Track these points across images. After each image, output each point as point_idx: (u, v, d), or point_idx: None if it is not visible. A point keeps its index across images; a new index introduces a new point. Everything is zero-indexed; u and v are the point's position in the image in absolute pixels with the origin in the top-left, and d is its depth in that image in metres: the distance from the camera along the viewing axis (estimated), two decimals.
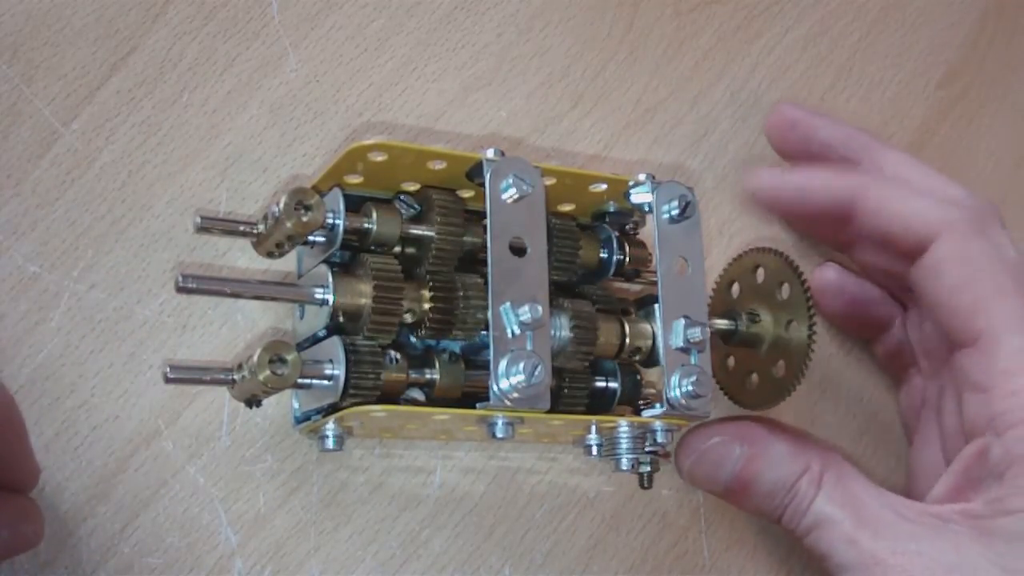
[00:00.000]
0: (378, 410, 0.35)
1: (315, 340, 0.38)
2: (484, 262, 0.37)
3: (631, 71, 0.51)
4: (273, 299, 0.38)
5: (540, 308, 0.36)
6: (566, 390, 0.40)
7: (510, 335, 0.36)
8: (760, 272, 0.45)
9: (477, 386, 0.38)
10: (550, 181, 0.39)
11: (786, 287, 0.43)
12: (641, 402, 0.42)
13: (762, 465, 0.41)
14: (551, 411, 0.36)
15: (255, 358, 0.33)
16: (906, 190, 0.43)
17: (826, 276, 0.49)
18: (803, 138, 0.48)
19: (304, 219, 0.34)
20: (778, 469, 0.41)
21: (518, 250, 0.37)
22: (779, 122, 0.49)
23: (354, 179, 0.38)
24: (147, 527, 0.38)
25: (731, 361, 0.46)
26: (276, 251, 0.37)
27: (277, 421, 0.40)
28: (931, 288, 0.42)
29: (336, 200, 0.37)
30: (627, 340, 0.41)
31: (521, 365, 0.35)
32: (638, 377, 0.42)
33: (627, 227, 0.44)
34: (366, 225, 0.38)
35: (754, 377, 0.44)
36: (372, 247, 0.38)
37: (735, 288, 0.46)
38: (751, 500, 0.42)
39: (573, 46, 0.50)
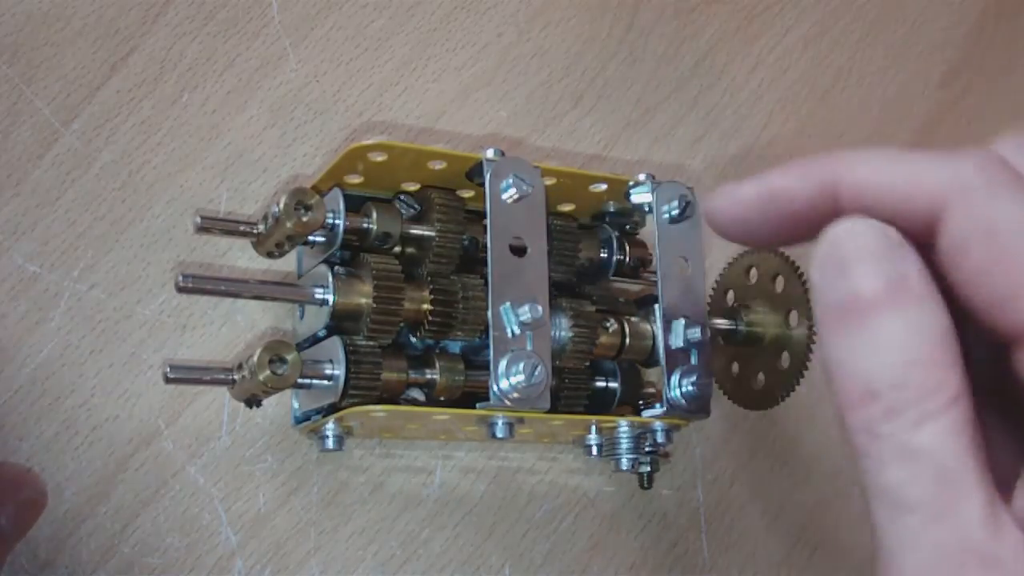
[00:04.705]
0: (378, 410, 0.35)
1: (315, 340, 0.38)
2: (484, 262, 0.37)
3: (631, 71, 0.51)
4: (273, 299, 0.38)
5: (540, 308, 0.36)
6: (566, 390, 0.40)
7: (510, 335, 0.36)
8: (753, 272, 0.45)
9: (477, 386, 0.38)
10: (550, 181, 0.39)
11: (780, 280, 0.43)
12: (641, 402, 0.42)
13: None
14: (551, 411, 0.36)
15: (255, 358, 0.33)
16: (897, 155, 0.25)
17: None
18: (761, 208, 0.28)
19: (304, 219, 0.34)
20: None
21: (518, 250, 0.37)
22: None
23: (354, 179, 0.38)
24: (147, 527, 0.38)
25: (736, 367, 0.46)
26: (276, 251, 0.37)
27: (277, 421, 0.40)
28: (955, 276, 0.26)
29: (336, 200, 0.37)
30: (627, 340, 0.41)
31: (521, 365, 0.35)
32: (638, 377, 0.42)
33: (627, 227, 0.44)
34: (366, 225, 0.38)
35: (761, 376, 0.44)
36: (372, 247, 0.38)
37: (731, 293, 0.46)
38: None
39: (573, 46, 0.50)
